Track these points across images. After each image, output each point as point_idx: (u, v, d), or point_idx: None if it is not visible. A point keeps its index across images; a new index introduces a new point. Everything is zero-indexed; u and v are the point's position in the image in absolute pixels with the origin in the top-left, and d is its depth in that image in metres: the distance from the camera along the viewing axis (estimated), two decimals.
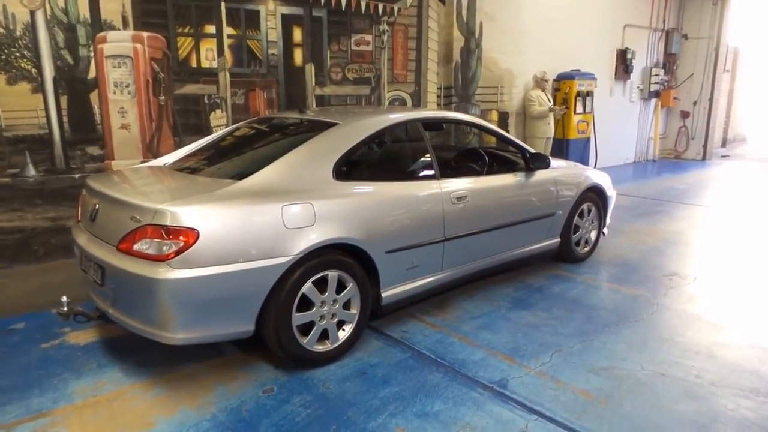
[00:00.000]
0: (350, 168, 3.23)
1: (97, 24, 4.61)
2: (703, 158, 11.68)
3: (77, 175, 4.65)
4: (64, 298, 2.90)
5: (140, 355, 3.06)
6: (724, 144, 14.27)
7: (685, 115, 11.70)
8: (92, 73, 4.67)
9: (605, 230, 5.06)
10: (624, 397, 2.73)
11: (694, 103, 11.52)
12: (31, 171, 4.50)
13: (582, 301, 3.96)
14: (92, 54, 4.63)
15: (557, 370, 2.99)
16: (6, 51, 4.26)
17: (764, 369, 3.02)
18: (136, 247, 2.55)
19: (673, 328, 3.54)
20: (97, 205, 2.93)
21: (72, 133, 4.63)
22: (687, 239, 5.69)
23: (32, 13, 4.32)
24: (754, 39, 13.84)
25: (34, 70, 4.39)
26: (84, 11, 4.54)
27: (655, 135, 11.51)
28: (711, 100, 11.36)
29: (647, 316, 3.73)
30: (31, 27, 4.33)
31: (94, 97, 4.71)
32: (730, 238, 5.80)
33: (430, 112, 4.32)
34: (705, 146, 11.66)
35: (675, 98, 11.49)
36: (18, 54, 4.32)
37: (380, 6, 6.38)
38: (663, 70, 11.16)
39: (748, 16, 12.23)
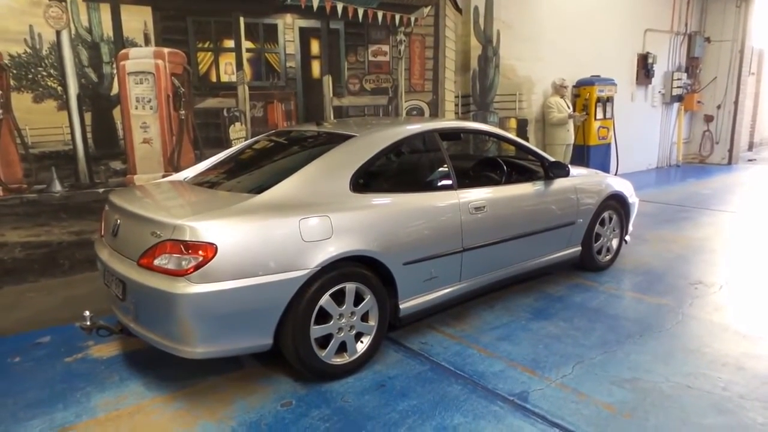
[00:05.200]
0: (367, 180, 3.23)
1: (120, 42, 4.73)
2: (729, 162, 11.43)
3: (101, 190, 4.75)
4: (87, 313, 2.95)
5: (161, 368, 3.10)
6: (750, 148, 13.96)
7: (709, 119, 11.48)
8: (115, 90, 4.77)
9: (627, 238, 4.98)
10: (649, 411, 2.66)
11: (718, 107, 11.30)
12: (57, 186, 4.61)
13: (604, 311, 3.89)
14: (115, 71, 4.74)
15: (579, 383, 2.93)
16: (33, 70, 4.38)
17: None
18: (156, 262, 2.58)
19: (700, 339, 3.45)
20: (119, 221, 2.98)
21: (96, 149, 4.74)
22: (713, 246, 5.56)
23: (58, 33, 4.44)
24: None
25: (59, 88, 4.51)
26: (107, 30, 4.65)
27: (679, 140, 11.31)
28: (736, 103, 11.13)
29: (672, 326, 3.64)
30: (57, 46, 4.45)
31: (117, 113, 4.81)
32: (758, 244, 5.65)
33: (447, 122, 4.31)
34: (730, 150, 11.42)
35: (698, 102, 11.29)
36: (44, 73, 4.44)
37: (397, 16, 6.41)
38: (686, 74, 10.98)
39: None
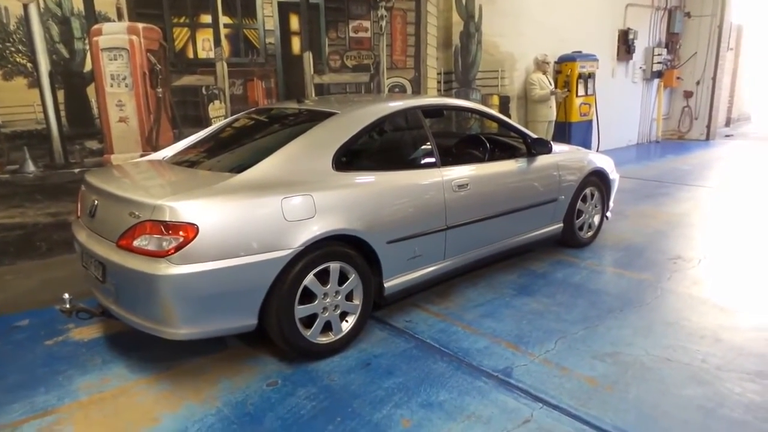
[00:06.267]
0: (350, 158, 3.20)
1: (92, 16, 4.56)
2: (707, 138, 11.57)
3: (77, 170, 4.63)
4: (66, 295, 2.89)
5: (144, 350, 3.06)
6: (728, 123, 14.13)
7: (688, 95, 11.57)
8: (88, 66, 4.62)
9: (609, 214, 5.03)
10: (629, 383, 2.72)
11: (698, 83, 11.39)
12: (31, 167, 4.48)
13: (586, 287, 3.94)
14: (88, 47, 4.58)
15: (562, 357, 2.98)
16: (0, 46, 4.21)
17: None
18: (135, 243, 2.53)
19: (678, 312, 3.52)
20: (96, 201, 2.91)
21: (70, 128, 4.60)
22: (691, 221, 5.65)
23: (25, 7, 4.26)
24: (758, 16, 13.62)
25: (29, 65, 4.35)
26: (78, 3, 4.48)
27: (658, 116, 11.40)
28: (714, 79, 11.22)
29: (652, 300, 3.71)
30: (25, 20, 4.28)
31: (91, 90, 4.67)
32: (736, 219, 5.76)
33: (430, 99, 4.26)
34: (709, 126, 11.55)
35: (678, 78, 11.36)
36: (13, 48, 4.28)
37: None
38: (666, 50, 11.02)
39: None
